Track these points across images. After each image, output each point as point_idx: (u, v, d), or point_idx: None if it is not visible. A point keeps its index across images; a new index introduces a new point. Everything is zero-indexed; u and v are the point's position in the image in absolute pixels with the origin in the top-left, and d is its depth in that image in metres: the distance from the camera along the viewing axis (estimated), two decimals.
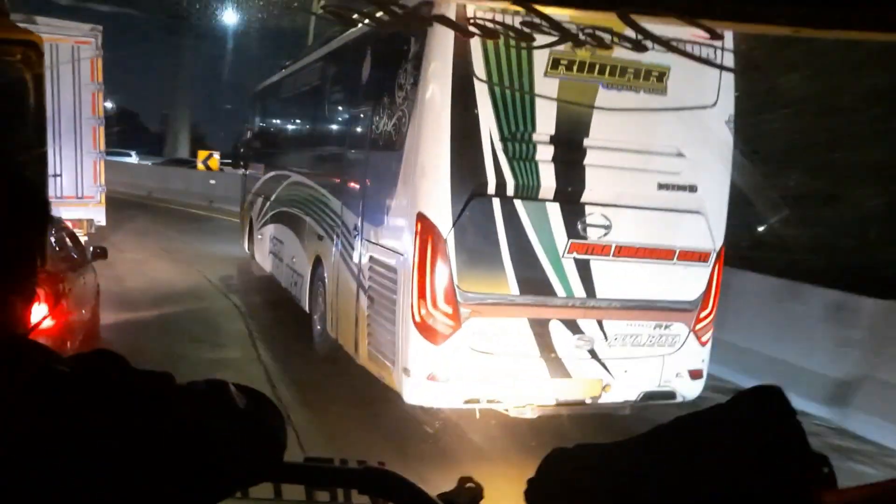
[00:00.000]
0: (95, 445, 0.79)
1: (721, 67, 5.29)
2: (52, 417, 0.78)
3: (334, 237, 6.98)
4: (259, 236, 11.25)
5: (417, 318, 4.96)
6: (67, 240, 6.29)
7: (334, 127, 7.61)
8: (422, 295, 4.92)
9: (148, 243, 14.51)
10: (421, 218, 4.91)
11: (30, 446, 0.76)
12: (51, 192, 10.56)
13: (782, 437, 0.80)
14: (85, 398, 0.82)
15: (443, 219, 4.87)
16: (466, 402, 5.07)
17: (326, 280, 7.16)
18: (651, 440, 0.89)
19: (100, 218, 11.90)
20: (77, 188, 11.54)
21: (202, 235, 16.62)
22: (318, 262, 7.53)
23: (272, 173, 10.59)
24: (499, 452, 5.41)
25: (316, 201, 7.76)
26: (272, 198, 10.23)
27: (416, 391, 5.05)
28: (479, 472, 1.20)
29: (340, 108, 7.50)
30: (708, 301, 5.51)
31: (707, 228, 5.41)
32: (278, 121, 11.22)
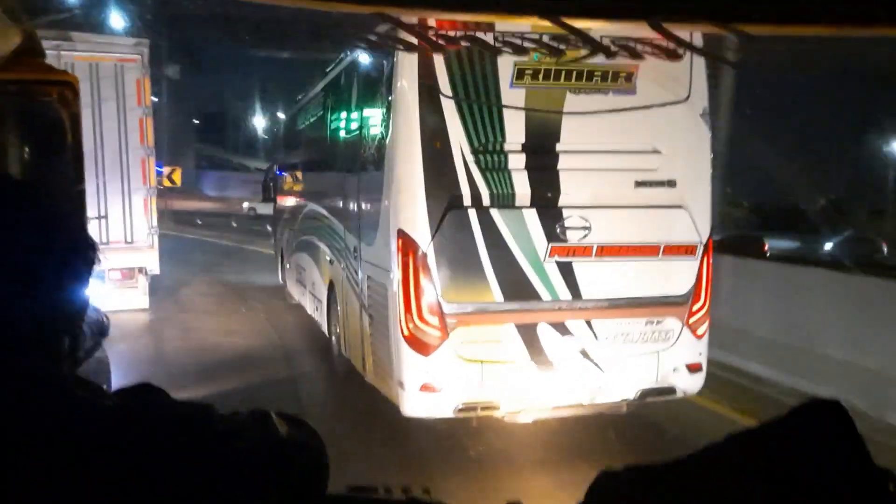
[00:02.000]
0: (141, 476, 0.81)
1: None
2: (98, 450, 0.81)
3: (342, 260, 7.21)
4: (288, 266, 11.60)
5: (406, 332, 5.12)
6: None
7: (334, 154, 7.88)
8: (408, 308, 5.08)
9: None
10: (401, 234, 5.09)
11: (78, 476, 0.79)
12: (94, 237, 10.80)
13: (844, 454, 0.77)
14: (129, 431, 0.84)
15: (421, 233, 5.03)
16: (461, 410, 5.18)
17: (338, 302, 7.38)
18: (704, 460, 0.86)
19: (152, 265, 10.45)
20: (125, 231, 10.11)
21: None
22: (332, 287, 7.76)
23: (293, 203, 10.95)
24: (544, 473, 5.32)
25: (327, 227, 8.02)
26: (295, 227, 10.57)
27: (411, 403, 5.19)
28: (524, 494, 1.19)
29: (337, 135, 7.77)
30: (700, 294, 5.52)
31: (691, 222, 5.44)
32: (294, 152, 11.59)
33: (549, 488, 4.86)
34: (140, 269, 10.36)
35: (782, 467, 0.78)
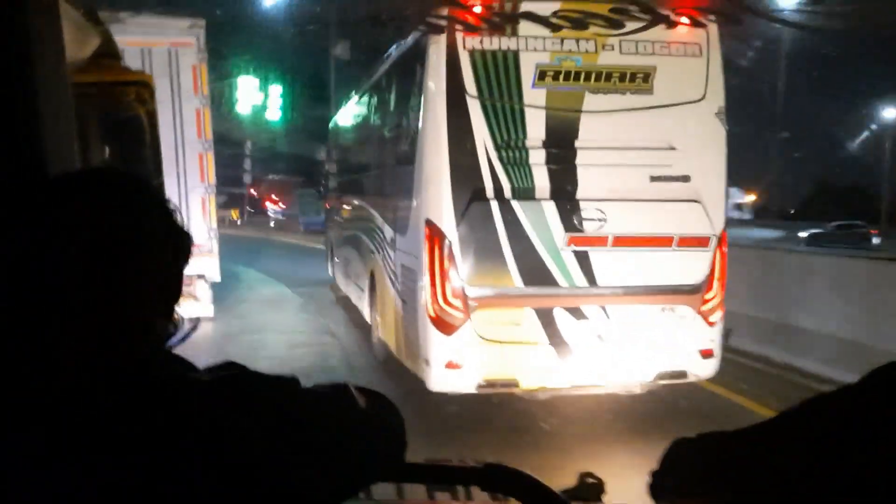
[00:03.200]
0: (230, 447, 0.85)
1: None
2: (190, 421, 0.85)
3: (381, 251, 7.69)
4: (336, 260, 12.18)
5: (432, 313, 5.55)
6: None
7: (374, 152, 8.39)
8: (434, 292, 5.51)
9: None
10: (428, 224, 5.53)
11: (171, 446, 0.83)
12: None
13: None
14: (226, 405, 0.88)
15: (447, 223, 5.46)
16: (482, 386, 5.58)
17: (377, 290, 7.86)
18: (779, 427, 0.85)
19: (213, 273, 9.68)
20: None
21: None
22: (372, 276, 8.25)
23: (339, 200, 11.52)
24: (615, 444, 5.59)
25: (368, 220, 8.52)
26: (341, 222, 11.14)
27: (437, 378, 5.61)
28: (596, 466, 1.21)
29: (377, 134, 8.28)
30: (712, 283, 5.80)
31: (705, 215, 5.73)
32: (340, 151, 12.16)
33: (628, 461, 5.14)
34: (200, 276, 9.46)
35: (856, 430, 0.77)
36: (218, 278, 9.79)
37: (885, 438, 0.74)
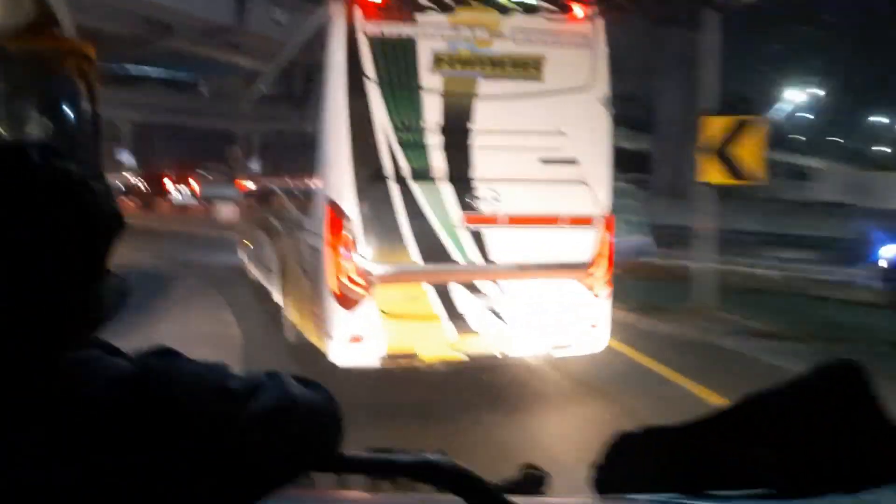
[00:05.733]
0: (161, 441, 0.83)
1: None
2: (122, 416, 0.83)
3: (290, 233, 7.83)
4: (247, 243, 12.18)
5: (336, 290, 5.77)
6: None
7: (281, 134, 8.51)
8: (337, 269, 5.73)
9: None
10: (330, 203, 5.73)
11: (101, 444, 0.81)
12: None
13: (858, 413, 0.78)
14: (150, 391, 0.86)
15: (347, 203, 5.68)
16: (385, 359, 5.84)
17: (286, 270, 8.00)
18: (725, 421, 0.87)
19: None
20: None
21: None
22: (282, 257, 8.37)
23: (249, 183, 11.55)
24: (556, 436, 5.77)
25: (278, 203, 8.63)
26: (251, 206, 11.17)
27: (339, 352, 5.84)
28: (538, 458, 1.18)
29: (284, 115, 8.39)
30: (599, 260, 6.22)
31: (591, 196, 6.14)
32: (249, 135, 12.18)
33: (568, 452, 5.21)
34: None
35: (797, 426, 0.79)
36: None
37: (831, 431, 0.77)
